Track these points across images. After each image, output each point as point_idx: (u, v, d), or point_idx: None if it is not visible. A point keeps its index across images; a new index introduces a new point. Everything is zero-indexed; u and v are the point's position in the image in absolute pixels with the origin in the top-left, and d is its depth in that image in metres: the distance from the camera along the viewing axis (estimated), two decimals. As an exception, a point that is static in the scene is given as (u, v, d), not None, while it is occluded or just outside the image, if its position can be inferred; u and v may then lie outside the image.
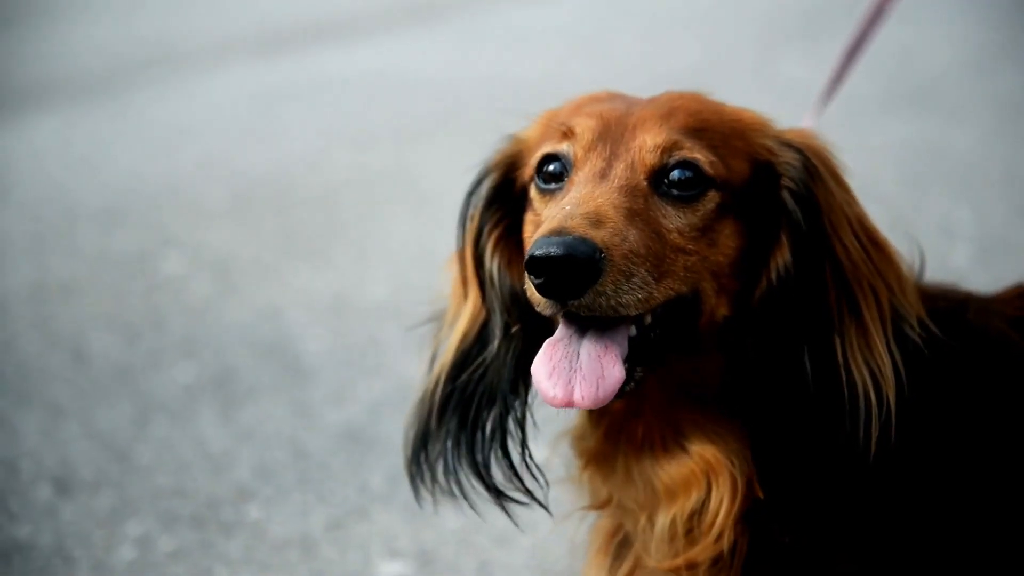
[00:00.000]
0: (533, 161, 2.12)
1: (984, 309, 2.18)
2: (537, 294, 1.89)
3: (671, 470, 2.07)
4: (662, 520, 2.09)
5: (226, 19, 10.97)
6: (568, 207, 1.91)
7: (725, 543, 2.04)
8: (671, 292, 1.96)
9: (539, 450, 2.28)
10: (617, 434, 2.13)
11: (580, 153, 2.04)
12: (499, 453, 2.18)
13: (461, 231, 2.22)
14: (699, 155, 2.00)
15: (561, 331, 1.96)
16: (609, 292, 1.86)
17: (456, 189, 2.31)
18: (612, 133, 2.04)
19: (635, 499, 2.12)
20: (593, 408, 1.94)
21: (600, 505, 2.20)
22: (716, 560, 2.07)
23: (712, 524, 2.05)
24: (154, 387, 4.62)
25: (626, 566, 2.20)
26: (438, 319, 2.32)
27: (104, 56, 9.97)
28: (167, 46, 10.09)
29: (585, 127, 2.06)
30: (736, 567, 2.07)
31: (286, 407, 4.44)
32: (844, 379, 1.96)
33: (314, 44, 10.02)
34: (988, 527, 2.05)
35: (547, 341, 1.96)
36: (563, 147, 2.07)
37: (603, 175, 1.99)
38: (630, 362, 1.95)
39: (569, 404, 1.91)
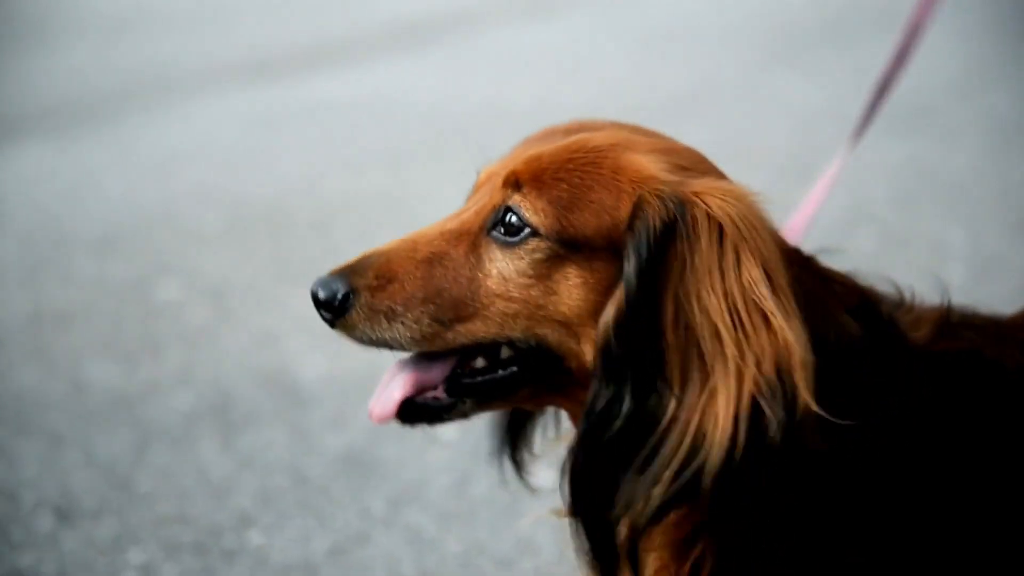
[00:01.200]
0: None
1: (1000, 337, 2.15)
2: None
3: None
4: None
5: (218, 44, 10.99)
6: (380, 245, 2.17)
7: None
8: (482, 334, 2.10)
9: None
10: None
11: (472, 194, 2.23)
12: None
13: None
14: (528, 204, 2.08)
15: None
16: (361, 326, 2.12)
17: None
18: (496, 174, 2.17)
19: None
20: (379, 423, 2.17)
21: None
22: None
23: None
24: (153, 415, 4.61)
25: None
26: None
27: (95, 82, 9.97)
28: (159, 71, 10.09)
29: (482, 173, 2.24)
30: None
31: (285, 433, 4.45)
32: (660, 430, 1.94)
33: (306, 69, 10.03)
34: None
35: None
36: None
37: (458, 215, 2.18)
38: (453, 393, 2.15)
39: (372, 417, 2.17)
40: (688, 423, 1.92)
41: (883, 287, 2.20)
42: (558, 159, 2.09)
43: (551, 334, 2.08)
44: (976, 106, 7.90)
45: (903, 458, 2.01)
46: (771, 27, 10.46)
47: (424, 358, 2.17)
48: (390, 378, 2.18)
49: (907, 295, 2.21)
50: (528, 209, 2.07)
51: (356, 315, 2.11)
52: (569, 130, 2.19)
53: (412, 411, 2.16)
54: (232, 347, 5.19)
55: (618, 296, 1.99)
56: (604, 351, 1.99)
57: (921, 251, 5.73)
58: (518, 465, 2.41)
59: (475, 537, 3.75)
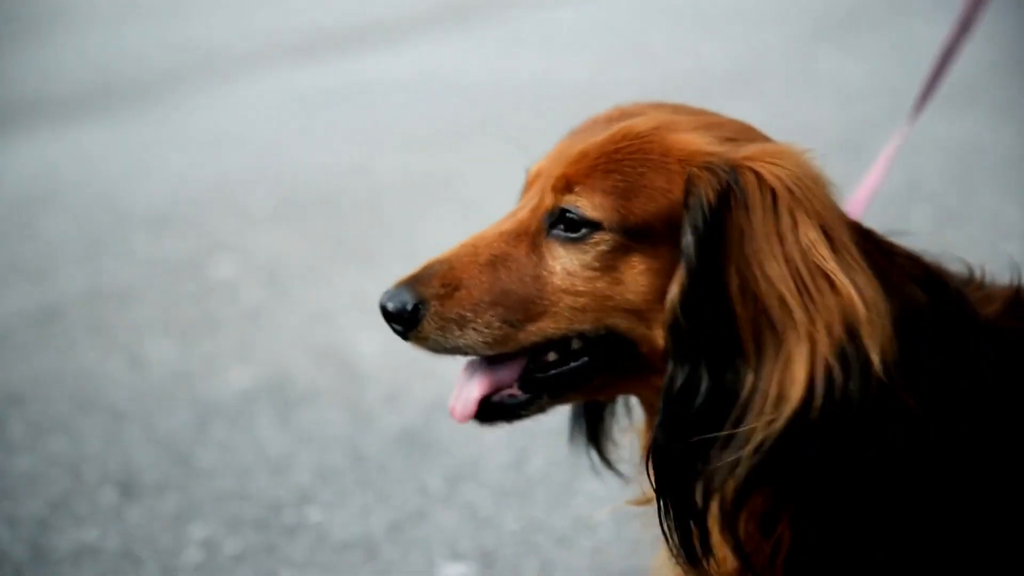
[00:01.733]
0: None
1: None
2: None
3: None
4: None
5: (269, 23, 11.05)
6: (441, 253, 2.15)
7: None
8: (552, 330, 2.11)
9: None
10: None
11: (523, 194, 2.23)
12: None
13: None
14: (584, 201, 2.07)
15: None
16: (434, 336, 2.11)
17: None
18: (552, 170, 2.16)
19: None
20: (461, 423, 2.18)
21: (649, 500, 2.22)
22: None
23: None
24: (211, 392, 4.67)
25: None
26: None
27: (148, 62, 10.05)
28: (210, 51, 10.16)
29: (532, 169, 2.23)
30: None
31: (342, 410, 4.49)
32: (741, 401, 1.94)
33: (356, 48, 10.08)
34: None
35: None
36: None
37: (513, 215, 2.18)
38: (528, 390, 2.16)
39: (454, 417, 2.17)
40: (767, 394, 1.92)
41: (952, 265, 2.19)
42: (606, 151, 2.09)
43: (621, 322, 2.09)
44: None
45: (979, 427, 2.01)
46: (816, 5, 10.41)
47: (496, 357, 2.16)
48: (466, 378, 2.18)
49: (977, 272, 2.20)
50: (586, 206, 2.07)
51: (427, 325, 2.11)
52: (611, 118, 2.18)
53: (490, 410, 2.16)
54: (287, 325, 5.24)
55: (680, 274, 1.98)
56: (673, 330, 1.99)
57: (977, 228, 5.70)
58: (602, 454, 2.42)
59: (532, 515, 3.78)
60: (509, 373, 2.16)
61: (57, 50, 10.59)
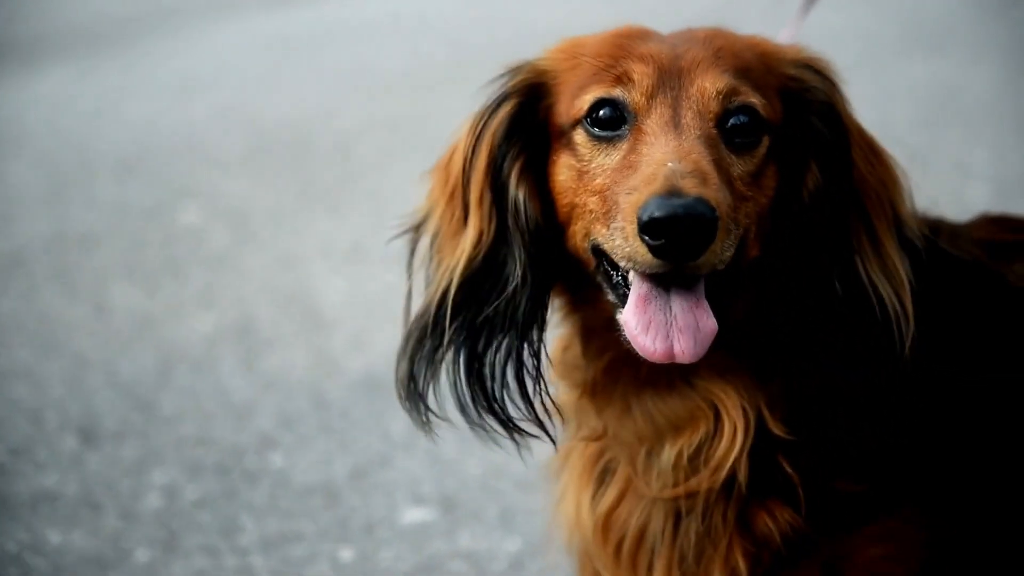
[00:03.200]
0: (581, 104, 2.04)
1: (956, 234, 2.21)
2: (649, 256, 1.86)
3: (675, 405, 2.09)
4: (667, 453, 2.11)
5: (237, -33, 10.93)
6: (670, 163, 1.88)
7: (724, 474, 2.07)
8: (738, 241, 1.96)
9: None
10: (619, 369, 2.11)
11: (642, 101, 1.99)
12: (512, 383, 2.10)
13: (469, 153, 2.11)
14: (755, 99, 1.98)
15: (646, 287, 1.93)
16: (718, 251, 1.86)
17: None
18: (668, 78, 2.00)
19: (634, 432, 2.13)
20: (692, 362, 1.93)
21: (594, 436, 2.20)
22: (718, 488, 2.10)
23: (718, 457, 2.07)
24: (175, 337, 4.65)
25: (612, 492, 2.21)
26: (415, 233, 2.23)
27: (115, 6, 9.95)
28: (179, -5, 10.06)
29: (642, 72, 2.00)
30: (736, 495, 2.10)
31: (307, 356, 4.48)
32: (872, 293, 2.00)
33: (326, -9, 9.99)
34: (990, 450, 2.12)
35: (635, 295, 1.94)
36: (618, 93, 2.01)
37: (675, 125, 1.95)
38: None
39: (670, 358, 1.91)
40: (880, 277, 2.01)
41: None
42: (735, 53, 2.02)
43: (752, 230, 1.99)
44: (999, 27, 7.81)
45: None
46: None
47: (680, 285, 1.92)
48: (660, 310, 1.92)
49: None
50: (760, 106, 1.98)
51: (719, 237, 1.85)
52: (647, 34, 2.10)
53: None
54: (253, 270, 5.21)
55: (813, 167, 2.01)
56: (806, 227, 2.01)
57: (946, 172, 5.70)
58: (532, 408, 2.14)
59: (493, 460, 3.77)
60: (704, 299, 1.94)
61: (24, -6, 10.47)
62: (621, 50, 2.04)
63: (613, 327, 2.00)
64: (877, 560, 2.10)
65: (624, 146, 1.99)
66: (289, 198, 5.97)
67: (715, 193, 1.85)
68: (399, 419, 4.01)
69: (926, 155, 5.89)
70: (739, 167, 1.97)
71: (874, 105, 6.52)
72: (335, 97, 7.46)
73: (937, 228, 2.19)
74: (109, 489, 3.69)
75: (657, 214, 1.81)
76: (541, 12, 8.92)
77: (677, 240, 1.82)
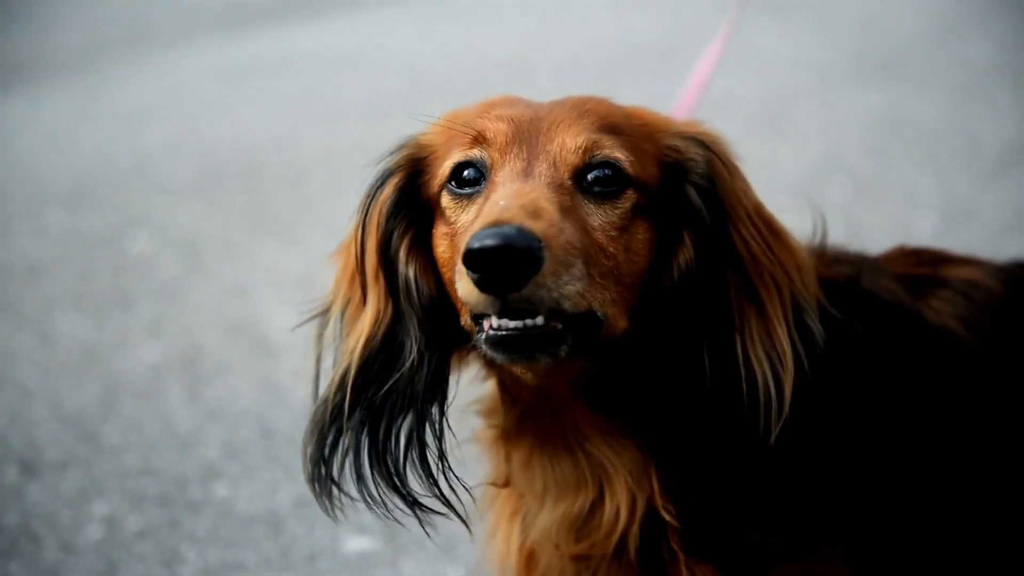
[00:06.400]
0: (444, 170, 2.04)
1: (874, 269, 2.23)
2: (476, 292, 1.83)
3: (566, 469, 2.09)
4: (547, 513, 2.13)
5: (193, -4, 10.92)
6: (502, 201, 1.87)
7: (614, 541, 2.08)
8: (597, 295, 1.91)
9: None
10: (527, 420, 2.12)
11: (496, 156, 2.00)
12: (415, 463, 2.10)
13: (360, 231, 2.11)
14: (620, 154, 1.97)
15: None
16: (550, 284, 1.81)
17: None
18: (526, 135, 2.00)
19: (529, 486, 2.14)
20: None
21: (499, 482, 2.21)
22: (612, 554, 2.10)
23: (606, 525, 2.08)
24: (121, 367, 4.61)
25: (528, 541, 2.24)
26: (324, 316, 2.22)
27: (67, 35, 9.91)
28: (132, 24, 10.03)
29: (497, 130, 2.01)
30: (632, 561, 2.10)
31: (254, 385, 4.45)
32: (743, 374, 1.96)
33: (280, 20, 9.98)
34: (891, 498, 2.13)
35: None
36: (475, 152, 2.02)
37: (526, 173, 1.95)
38: None
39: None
40: (760, 358, 1.96)
41: None
42: (602, 113, 2.02)
43: (611, 296, 1.94)
44: (950, 55, 7.89)
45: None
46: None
47: None
48: None
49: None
50: (624, 161, 1.96)
51: (548, 268, 1.81)
52: (516, 101, 2.09)
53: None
54: (202, 299, 5.18)
55: (688, 243, 1.98)
56: (678, 300, 1.97)
57: (893, 200, 5.73)
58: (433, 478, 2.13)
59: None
60: None
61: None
62: (484, 115, 2.05)
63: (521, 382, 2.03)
64: None
65: (480, 200, 1.98)
66: (240, 227, 5.95)
67: (545, 226, 1.82)
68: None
69: (875, 183, 5.93)
70: (599, 217, 1.95)
71: (825, 133, 6.58)
72: (287, 126, 7.44)
73: (860, 265, 2.22)
74: (49, 520, 3.65)
75: (474, 244, 1.78)
76: (497, 44, 8.94)
77: (494, 269, 1.79)
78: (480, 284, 1.81)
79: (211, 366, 4.60)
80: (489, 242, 1.77)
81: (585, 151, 1.97)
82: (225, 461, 3.97)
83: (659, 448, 2.04)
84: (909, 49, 8.04)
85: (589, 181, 1.97)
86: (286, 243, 5.71)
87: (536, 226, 1.81)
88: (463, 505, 2.13)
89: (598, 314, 1.91)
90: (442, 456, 2.09)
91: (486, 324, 1.88)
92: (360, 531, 3.57)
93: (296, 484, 3.82)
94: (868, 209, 5.55)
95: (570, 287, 1.83)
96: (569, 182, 1.95)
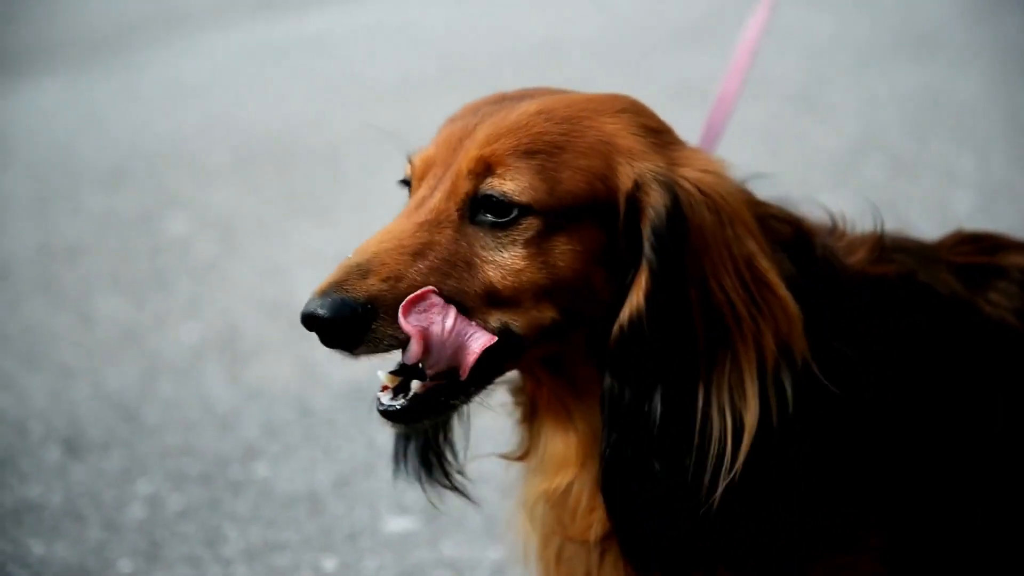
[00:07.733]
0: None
1: (932, 260, 2.18)
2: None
3: (556, 444, 2.10)
4: (530, 489, 2.16)
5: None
6: (350, 255, 1.91)
7: (593, 532, 2.07)
8: (503, 317, 1.93)
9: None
10: (535, 397, 2.15)
11: (415, 184, 2.01)
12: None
13: None
14: (510, 184, 1.93)
15: None
16: (392, 331, 1.86)
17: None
18: (448, 156, 1.99)
19: (534, 459, 2.16)
20: None
21: (515, 455, 2.24)
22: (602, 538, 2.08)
23: (576, 511, 2.08)
24: (160, 347, 4.65)
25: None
26: None
27: (106, 16, 9.95)
28: (168, 5, 10.06)
29: (421, 157, 2.02)
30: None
31: (292, 365, 4.47)
32: (698, 426, 1.90)
33: (315, 0, 9.98)
34: None
35: None
36: (407, 177, 2.07)
37: (420, 205, 1.96)
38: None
39: None
40: (723, 411, 1.90)
41: (818, 214, 2.20)
42: (525, 130, 1.96)
43: (558, 305, 1.96)
44: (987, 33, 7.82)
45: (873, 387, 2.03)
46: (784, -46, 10.34)
47: None
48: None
49: (839, 220, 2.21)
50: (513, 190, 1.92)
51: (383, 326, 1.85)
52: (505, 98, 2.07)
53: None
54: (239, 280, 5.21)
55: (642, 282, 1.91)
56: (630, 345, 1.91)
57: (931, 178, 5.70)
58: (444, 470, 2.37)
59: (478, 468, 3.74)
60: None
61: (12, 5, 10.46)
62: (436, 132, 2.06)
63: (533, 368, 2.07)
64: None
65: None
66: (276, 207, 5.97)
67: (371, 283, 1.85)
68: (383, 429, 4.00)
69: (913, 161, 5.90)
70: (490, 247, 1.94)
71: (862, 112, 6.54)
72: (323, 106, 7.46)
73: (919, 254, 2.18)
74: (93, 500, 3.69)
75: (302, 310, 1.86)
76: (532, 24, 8.92)
77: (324, 335, 1.85)
78: (324, 344, 1.88)
79: (249, 346, 4.63)
80: (305, 311, 1.85)
81: (476, 176, 1.95)
82: (264, 441, 3.99)
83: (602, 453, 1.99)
84: (947, 26, 7.98)
85: (481, 208, 1.95)
86: (322, 223, 5.73)
87: (362, 288, 1.85)
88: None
89: (512, 329, 1.94)
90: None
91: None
92: (401, 511, 3.59)
93: (335, 463, 3.84)
94: (906, 187, 5.52)
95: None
96: (455, 213, 1.95)
